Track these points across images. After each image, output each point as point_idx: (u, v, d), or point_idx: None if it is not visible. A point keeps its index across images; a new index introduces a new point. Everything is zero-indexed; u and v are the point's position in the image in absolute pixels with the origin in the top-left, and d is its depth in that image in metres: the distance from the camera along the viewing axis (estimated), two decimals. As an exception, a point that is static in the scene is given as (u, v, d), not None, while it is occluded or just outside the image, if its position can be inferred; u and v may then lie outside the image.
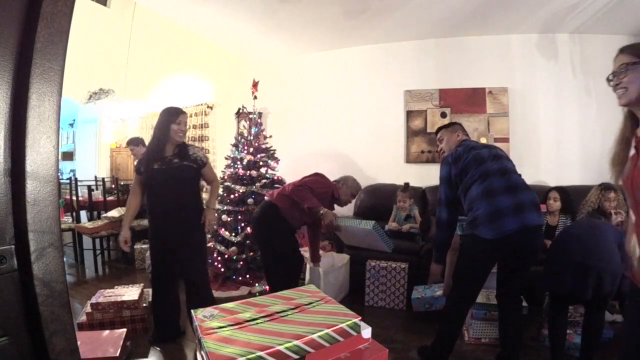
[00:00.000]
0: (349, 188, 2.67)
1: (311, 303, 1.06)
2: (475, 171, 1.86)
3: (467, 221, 1.88)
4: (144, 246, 3.84)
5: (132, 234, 4.08)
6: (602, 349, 2.13)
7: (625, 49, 1.14)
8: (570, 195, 2.97)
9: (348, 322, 0.95)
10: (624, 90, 1.09)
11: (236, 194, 3.32)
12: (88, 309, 2.40)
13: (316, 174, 2.62)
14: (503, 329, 1.96)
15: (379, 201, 3.71)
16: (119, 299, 2.41)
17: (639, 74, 1.07)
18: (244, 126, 4.29)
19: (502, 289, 1.97)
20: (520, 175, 1.93)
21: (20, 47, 0.65)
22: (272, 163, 3.51)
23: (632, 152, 1.10)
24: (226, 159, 3.59)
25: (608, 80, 1.16)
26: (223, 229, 3.34)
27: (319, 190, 2.46)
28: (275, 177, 3.50)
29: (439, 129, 2.24)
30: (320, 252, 2.91)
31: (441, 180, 2.00)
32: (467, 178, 1.88)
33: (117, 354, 1.90)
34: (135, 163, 4.07)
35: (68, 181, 4.64)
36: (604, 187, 2.51)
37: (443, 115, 3.91)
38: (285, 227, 2.47)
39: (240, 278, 3.24)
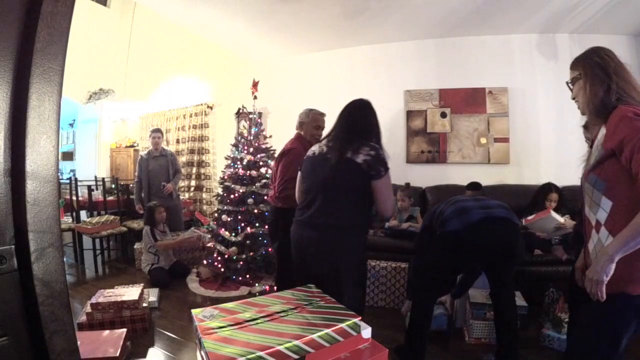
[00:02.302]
0: (309, 124, 2.39)
1: (311, 303, 1.06)
2: (445, 206, 1.97)
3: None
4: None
5: (132, 234, 4.15)
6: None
7: (571, 64, 1.24)
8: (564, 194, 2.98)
9: (348, 322, 0.95)
10: (577, 102, 1.21)
11: (236, 194, 3.31)
12: (88, 309, 2.40)
13: (281, 161, 2.38)
14: (498, 326, 1.98)
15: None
16: (119, 299, 2.40)
17: (579, 87, 1.19)
18: (244, 126, 4.29)
19: (493, 289, 2.01)
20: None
21: (20, 47, 0.65)
22: (272, 163, 3.51)
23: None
24: (226, 159, 3.59)
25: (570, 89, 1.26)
26: (223, 229, 3.34)
27: (293, 169, 2.16)
28: (272, 182, 3.49)
29: None
30: None
31: (423, 229, 2.15)
32: (442, 215, 1.96)
33: (117, 354, 1.90)
34: (151, 151, 4.06)
35: (68, 181, 4.63)
36: None
37: (443, 115, 3.91)
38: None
39: (240, 278, 3.24)
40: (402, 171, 4.00)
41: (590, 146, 1.20)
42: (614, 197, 1.03)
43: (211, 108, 5.34)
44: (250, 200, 3.29)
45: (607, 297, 1.00)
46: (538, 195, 2.93)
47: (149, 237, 3.44)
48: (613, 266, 0.97)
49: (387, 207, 1.58)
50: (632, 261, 0.96)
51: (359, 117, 1.65)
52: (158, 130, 4.14)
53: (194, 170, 5.52)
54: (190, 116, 5.50)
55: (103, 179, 4.93)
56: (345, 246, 1.55)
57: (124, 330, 2.14)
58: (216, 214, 3.52)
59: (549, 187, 2.91)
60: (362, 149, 1.53)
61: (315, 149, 1.74)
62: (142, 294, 2.56)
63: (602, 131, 1.10)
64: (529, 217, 2.69)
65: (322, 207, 1.57)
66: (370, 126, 1.64)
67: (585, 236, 1.16)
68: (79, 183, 4.48)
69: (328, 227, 1.55)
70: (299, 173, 1.83)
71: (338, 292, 1.61)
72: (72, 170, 6.91)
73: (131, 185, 5.20)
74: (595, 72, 1.13)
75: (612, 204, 1.03)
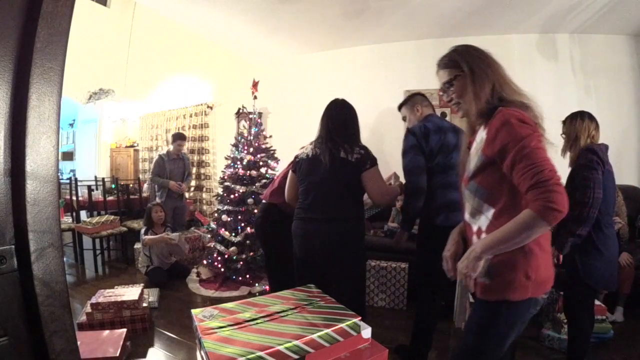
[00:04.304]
0: None
1: (311, 303, 1.06)
2: (441, 159, 1.86)
3: (423, 208, 1.85)
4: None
5: (132, 234, 4.16)
6: (602, 348, 2.14)
7: (440, 64, 1.16)
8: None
9: (348, 322, 0.95)
10: (458, 104, 1.12)
11: (236, 194, 3.32)
12: (88, 309, 2.40)
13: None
14: None
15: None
16: (119, 299, 2.40)
17: (461, 87, 1.09)
18: (244, 126, 4.29)
19: None
20: None
21: (20, 47, 0.65)
22: (272, 163, 3.51)
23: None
24: (226, 159, 3.59)
25: (440, 95, 1.18)
26: (223, 229, 3.34)
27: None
28: (275, 177, 3.50)
29: (400, 106, 2.19)
30: None
31: (410, 148, 1.89)
32: (434, 165, 1.86)
33: (117, 354, 1.90)
34: (169, 156, 4.11)
35: (68, 181, 4.63)
36: None
37: (443, 115, 3.91)
38: (285, 225, 2.45)
39: (240, 278, 3.24)
40: (401, 171, 4.00)
41: (468, 147, 1.12)
42: (495, 204, 1.00)
43: (211, 108, 5.33)
44: (250, 200, 3.29)
45: (491, 303, 1.01)
46: None
47: (140, 235, 3.44)
48: (481, 263, 0.97)
49: (377, 196, 1.75)
50: (513, 270, 0.96)
51: (340, 118, 1.79)
52: (184, 138, 4.24)
53: (194, 170, 5.52)
54: (190, 116, 5.50)
55: (103, 179, 4.93)
56: (349, 235, 1.71)
57: (124, 330, 2.14)
58: (216, 214, 3.52)
59: None
60: (354, 149, 1.73)
61: (307, 151, 1.82)
62: (142, 294, 2.56)
63: (482, 135, 1.03)
64: None
65: (325, 204, 1.72)
66: (350, 125, 1.80)
67: (467, 240, 1.12)
68: (79, 183, 4.48)
69: (333, 220, 1.71)
70: (291, 174, 1.91)
71: (343, 282, 1.75)
72: (72, 170, 6.91)
73: (131, 185, 5.20)
74: (482, 69, 1.06)
75: (494, 211, 1.00)
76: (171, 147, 4.18)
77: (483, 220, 1.03)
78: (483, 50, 1.10)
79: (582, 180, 1.69)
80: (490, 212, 1.01)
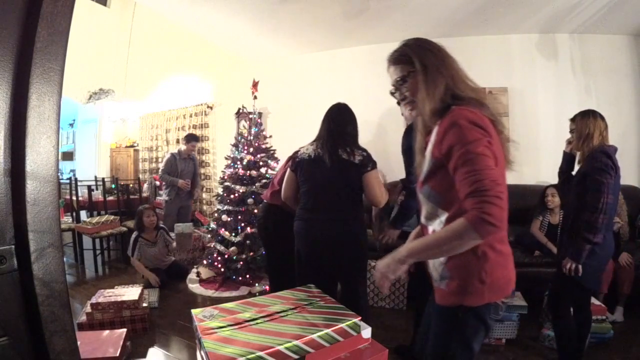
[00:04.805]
0: None
1: (311, 303, 1.06)
2: None
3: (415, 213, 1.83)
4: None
5: (132, 234, 4.15)
6: (602, 348, 2.14)
7: (391, 60, 1.07)
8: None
9: (348, 322, 0.95)
10: (412, 102, 1.05)
11: (236, 194, 3.31)
12: (88, 309, 2.40)
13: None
14: None
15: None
16: (119, 299, 2.40)
17: (414, 84, 1.02)
18: (244, 126, 4.29)
19: None
20: None
21: (20, 47, 0.65)
22: (272, 163, 3.51)
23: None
24: (226, 159, 3.59)
25: (391, 93, 1.11)
26: (223, 229, 3.34)
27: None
28: (274, 178, 3.49)
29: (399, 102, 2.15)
30: None
31: (410, 147, 1.87)
32: None
33: (117, 354, 1.90)
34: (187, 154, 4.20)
35: (68, 181, 4.63)
36: None
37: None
38: (288, 225, 2.44)
39: (240, 278, 3.24)
40: (401, 171, 3.99)
41: (424, 148, 1.06)
42: (448, 208, 0.95)
43: (211, 108, 5.34)
44: (250, 200, 3.29)
45: (449, 309, 0.98)
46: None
47: (130, 246, 3.35)
48: (404, 267, 0.94)
49: (374, 198, 1.80)
50: (466, 275, 0.93)
51: (342, 121, 1.84)
52: (197, 139, 4.40)
53: (194, 170, 5.53)
54: (190, 116, 5.50)
55: (103, 179, 4.93)
56: (352, 236, 1.76)
57: (124, 330, 2.14)
58: (216, 214, 3.52)
59: (547, 186, 2.94)
60: (356, 151, 1.77)
61: (309, 152, 1.83)
62: (142, 294, 2.56)
63: (434, 135, 0.98)
64: None
65: (328, 204, 1.75)
66: (350, 128, 1.85)
67: None
68: (79, 183, 4.48)
69: (336, 220, 1.74)
70: (290, 173, 1.91)
71: (346, 282, 1.80)
72: (72, 170, 6.91)
73: (131, 185, 5.20)
74: (435, 65, 0.98)
75: (447, 215, 0.95)
76: (183, 147, 4.27)
77: (437, 224, 0.99)
78: (436, 44, 1.02)
79: (594, 183, 1.66)
80: (445, 216, 0.96)
